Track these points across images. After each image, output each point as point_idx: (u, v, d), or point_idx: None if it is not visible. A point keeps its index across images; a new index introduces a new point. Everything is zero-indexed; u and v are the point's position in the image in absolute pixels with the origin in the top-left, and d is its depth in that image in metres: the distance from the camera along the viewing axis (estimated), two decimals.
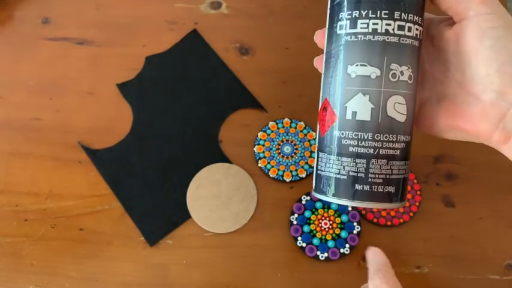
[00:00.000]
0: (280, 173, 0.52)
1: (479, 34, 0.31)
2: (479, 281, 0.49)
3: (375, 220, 0.50)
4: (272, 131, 0.53)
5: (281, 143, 0.53)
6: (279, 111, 0.54)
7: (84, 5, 0.59)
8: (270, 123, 0.54)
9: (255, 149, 0.53)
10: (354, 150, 0.33)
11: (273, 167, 0.52)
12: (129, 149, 0.53)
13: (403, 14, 0.32)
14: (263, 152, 0.53)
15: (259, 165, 0.52)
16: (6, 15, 0.58)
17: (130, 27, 0.58)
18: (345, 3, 0.33)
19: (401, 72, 0.33)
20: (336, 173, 0.33)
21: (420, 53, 0.34)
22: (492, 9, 0.31)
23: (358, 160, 0.33)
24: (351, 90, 0.33)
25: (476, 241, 0.50)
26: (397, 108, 0.33)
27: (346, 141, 0.33)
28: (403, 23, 0.32)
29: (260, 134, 0.53)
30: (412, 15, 0.33)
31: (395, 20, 0.32)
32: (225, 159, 0.53)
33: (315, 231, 0.49)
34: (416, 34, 0.33)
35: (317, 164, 0.35)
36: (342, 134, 0.33)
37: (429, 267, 0.49)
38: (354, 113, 0.33)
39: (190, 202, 0.51)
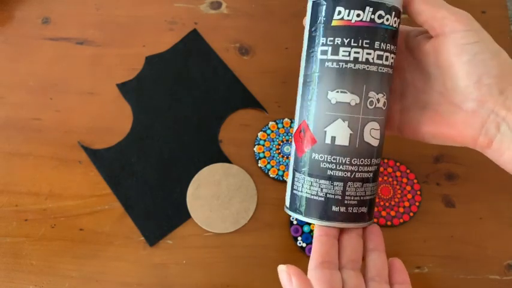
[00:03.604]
0: (280, 173, 0.52)
1: (457, 51, 0.32)
2: (479, 281, 0.49)
3: (375, 220, 0.50)
4: (272, 131, 0.53)
5: (281, 143, 0.53)
6: (279, 111, 0.54)
7: (84, 5, 0.59)
8: (270, 123, 0.54)
9: (255, 149, 0.53)
10: (331, 173, 0.34)
11: (273, 167, 0.52)
12: (129, 149, 0.53)
13: (382, 43, 0.33)
14: (263, 152, 0.53)
15: (259, 165, 0.52)
16: (6, 15, 0.58)
17: (130, 27, 0.58)
18: (327, 29, 0.33)
19: (378, 100, 0.34)
20: (312, 194, 0.34)
21: (392, 80, 0.36)
22: (468, 26, 0.33)
23: (335, 183, 0.34)
24: (330, 116, 0.33)
25: (476, 241, 0.50)
26: (373, 134, 0.34)
27: (324, 165, 0.34)
28: (381, 53, 0.33)
29: (260, 134, 0.53)
30: (389, 45, 0.34)
31: (375, 49, 0.33)
32: (225, 159, 0.53)
33: None
34: (391, 63, 0.35)
35: (293, 184, 0.36)
36: (321, 157, 0.34)
37: (429, 267, 0.49)
38: (333, 138, 0.34)
39: (190, 202, 0.51)
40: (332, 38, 0.33)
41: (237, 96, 0.55)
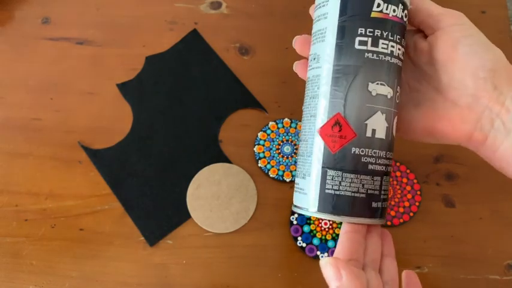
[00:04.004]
0: (280, 173, 0.52)
1: (453, 42, 0.33)
2: (479, 281, 0.49)
3: None
4: (272, 131, 0.53)
5: (281, 143, 0.53)
6: (279, 111, 0.54)
7: (84, 5, 0.59)
8: (270, 123, 0.54)
9: (255, 149, 0.53)
10: (373, 168, 0.33)
11: (273, 167, 0.52)
12: (129, 149, 0.53)
13: (403, 39, 0.34)
14: (263, 152, 0.53)
15: (259, 165, 0.52)
16: (6, 15, 0.58)
17: (130, 27, 0.58)
18: (366, 20, 0.33)
19: (399, 94, 0.35)
20: (353, 192, 0.33)
21: None
22: (461, 20, 0.34)
23: (375, 178, 0.33)
24: (371, 108, 0.33)
25: (476, 241, 0.50)
26: (395, 128, 0.35)
27: (365, 159, 0.33)
28: (402, 48, 0.34)
29: (260, 134, 0.53)
30: (405, 41, 0.35)
31: (402, 45, 0.34)
32: (225, 159, 0.53)
33: (315, 231, 0.49)
34: (403, 58, 0.35)
35: (325, 183, 0.33)
36: (362, 151, 0.32)
37: (429, 267, 0.49)
38: (374, 131, 0.33)
39: (190, 202, 0.51)
40: (372, 30, 0.33)
41: (237, 96, 0.55)
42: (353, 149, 0.32)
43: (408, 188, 0.51)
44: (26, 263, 0.49)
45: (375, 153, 0.33)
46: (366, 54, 0.33)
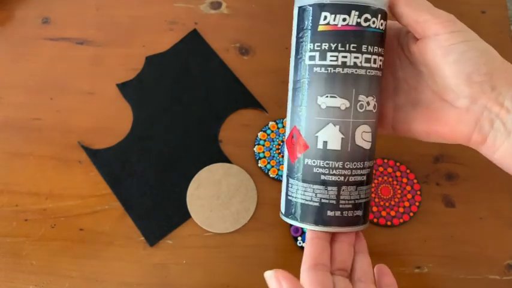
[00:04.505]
0: (280, 173, 0.52)
1: (442, 52, 0.32)
2: (479, 281, 0.49)
3: (375, 220, 0.50)
4: (272, 131, 0.53)
5: (281, 143, 0.53)
6: (279, 111, 0.54)
7: (84, 5, 0.59)
8: (270, 123, 0.54)
9: (255, 149, 0.53)
10: (325, 178, 0.34)
11: (273, 167, 0.52)
12: (129, 149, 0.53)
13: (369, 47, 0.33)
14: (263, 152, 0.53)
15: (259, 165, 0.52)
16: (6, 15, 0.58)
17: (130, 27, 0.58)
18: (314, 34, 0.33)
19: (368, 103, 0.34)
20: (307, 200, 0.34)
21: (382, 82, 0.36)
22: (451, 28, 0.32)
23: (329, 187, 0.34)
24: (321, 121, 0.34)
25: (476, 241, 0.50)
26: (364, 137, 0.34)
27: (317, 170, 0.34)
28: (369, 56, 0.34)
29: (260, 134, 0.53)
30: (376, 48, 0.34)
31: (362, 53, 0.33)
32: (225, 159, 0.53)
33: None
34: (380, 65, 0.35)
35: (287, 190, 0.36)
36: (313, 162, 0.34)
37: (429, 267, 0.49)
38: (325, 143, 0.34)
39: (190, 202, 0.51)
40: (319, 44, 0.33)
41: (237, 96, 0.55)
42: (306, 160, 0.34)
43: (408, 188, 0.51)
44: (26, 263, 0.49)
45: (327, 164, 0.34)
46: (315, 68, 0.34)
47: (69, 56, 0.57)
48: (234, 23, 0.58)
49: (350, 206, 0.34)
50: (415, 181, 0.51)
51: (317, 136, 0.34)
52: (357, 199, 0.34)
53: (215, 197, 0.51)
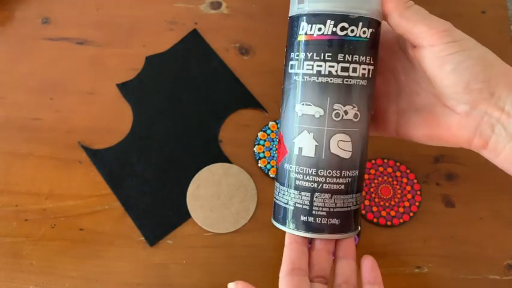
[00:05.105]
0: None
1: (438, 63, 0.32)
2: (479, 281, 0.49)
3: (375, 220, 0.50)
4: (272, 131, 0.53)
5: None
6: (279, 111, 0.54)
7: (84, 5, 0.59)
8: (270, 123, 0.54)
9: (255, 149, 0.53)
10: (299, 183, 0.35)
11: (273, 167, 0.52)
12: (129, 149, 0.53)
13: (347, 56, 0.33)
14: (263, 152, 0.53)
15: (259, 165, 0.52)
16: (6, 15, 0.58)
17: (130, 27, 0.58)
18: (294, 44, 0.35)
19: (345, 112, 0.34)
20: (285, 203, 0.36)
21: (373, 89, 0.35)
22: (447, 38, 0.31)
23: (303, 193, 0.35)
24: (298, 127, 0.35)
25: (476, 241, 0.50)
26: (341, 146, 0.34)
27: (293, 175, 0.35)
28: (347, 65, 0.33)
29: (260, 134, 0.53)
30: (357, 56, 0.34)
31: (338, 61, 0.33)
32: (225, 159, 0.53)
33: None
34: (363, 74, 0.34)
35: (274, 193, 0.38)
36: (290, 167, 0.35)
37: (429, 267, 0.49)
38: (300, 149, 0.35)
39: (190, 202, 0.51)
40: (298, 53, 0.34)
41: (237, 96, 0.55)
42: (285, 165, 0.36)
43: (408, 188, 0.51)
44: (26, 263, 0.49)
45: (301, 170, 0.35)
46: (294, 77, 0.35)
47: (69, 56, 0.57)
48: (234, 23, 0.58)
49: (324, 213, 0.35)
50: (415, 181, 0.52)
51: (294, 142, 0.35)
52: (332, 207, 0.35)
53: (215, 197, 0.51)
